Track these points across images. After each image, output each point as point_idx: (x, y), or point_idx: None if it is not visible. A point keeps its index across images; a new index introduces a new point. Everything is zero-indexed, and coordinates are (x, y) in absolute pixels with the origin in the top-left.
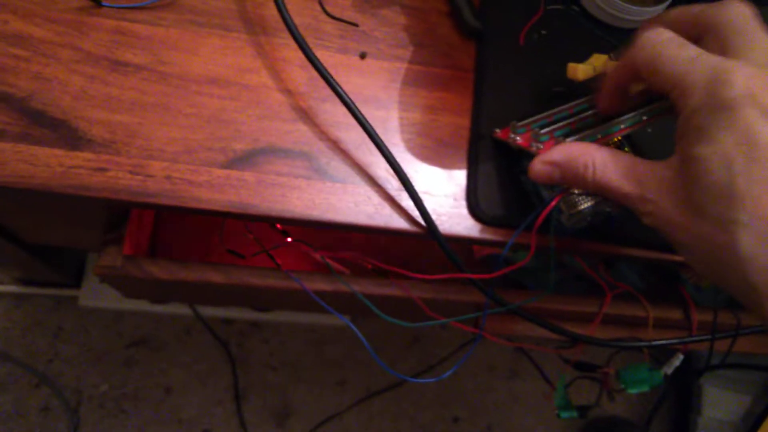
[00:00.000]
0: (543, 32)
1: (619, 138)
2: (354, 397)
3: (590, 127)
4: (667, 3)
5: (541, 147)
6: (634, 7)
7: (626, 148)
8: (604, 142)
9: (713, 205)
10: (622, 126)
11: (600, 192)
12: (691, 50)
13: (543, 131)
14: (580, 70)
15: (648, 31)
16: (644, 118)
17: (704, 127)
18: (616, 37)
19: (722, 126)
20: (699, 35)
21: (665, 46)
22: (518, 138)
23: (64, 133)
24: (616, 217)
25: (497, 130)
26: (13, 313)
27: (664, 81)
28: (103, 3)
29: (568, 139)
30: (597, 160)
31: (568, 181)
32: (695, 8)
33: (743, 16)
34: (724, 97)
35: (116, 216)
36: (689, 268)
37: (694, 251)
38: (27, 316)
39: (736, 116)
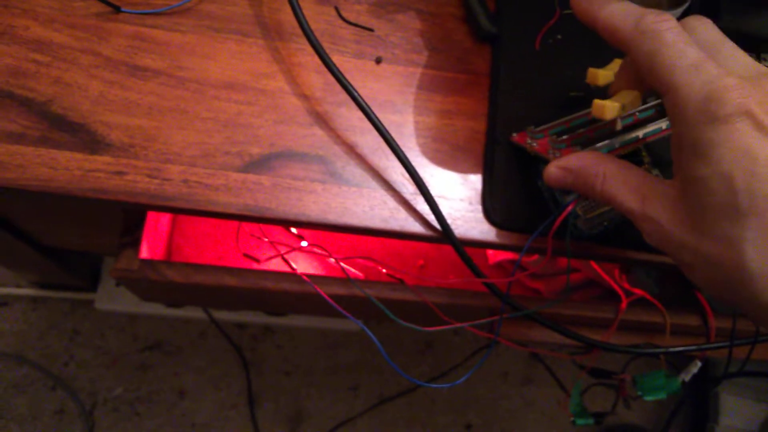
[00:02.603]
0: (559, 36)
1: (639, 147)
2: (367, 402)
3: (608, 136)
4: (683, 7)
5: (558, 155)
6: None
7: (643, 153)
8: (623, 151)
9: (718, 225)
10: (641, 135)
11: (607, 203)
12: (691, 55)
13: (561, 138)
14: (600, 76)
15: (654, 16)
16: (663, 127)
17: (700, 145)
18: None
19: (718, 143)
20: None
21: (666, 44)
22: (535, 144)
23: (83, 137)
24: (632, 223)
25: (514, 134)
26: (29, 316)
27: (658, 84)
28: (122, 9)
29: (587, 149)
30: (608, 172)
31: (579, 189)
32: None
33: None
34: (718, 114)
35: (133, 219)
36: None
37: (700, 271)
38: (43, 319)
39: (730, 132)
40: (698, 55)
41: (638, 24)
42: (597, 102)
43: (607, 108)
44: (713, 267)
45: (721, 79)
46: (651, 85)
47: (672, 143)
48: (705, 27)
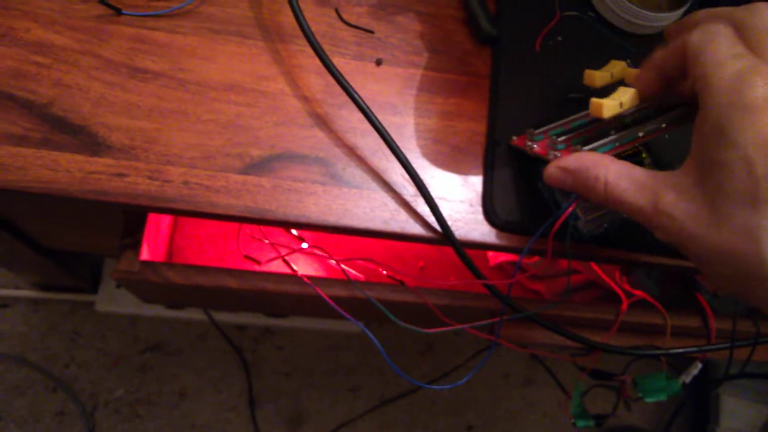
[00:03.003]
0: (559, 38)
1: (638, 146)
2: (367, 404)
3: (608, 135)
4: (684, 9)
5: (558, 155)
6: (650, 13)
7: (644, 155)
8: (623, 150)
9: (736, 213)
10: (641, 134)
11: (612, 206)
12: (738, 48)
13: (560, 139)
14: (597, 77)
15: (709, 20)
16: (663, 125)
17: (725, 128)
18: (632, 43)
19: (743, 127)
20: None
21: (719, 36)
22: (535, 146)
23: (84, 139)
24: (633, 224)
25: (514, 138)
26: (30, 318)
27: (698, 68)
28: (123, 11)
29: (586, 148)
30: (610, 174)
31: (579, 190)
32: (720, 10)
33: None
34: (747, 98)
35: (133, 221)
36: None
37: (715, 264)
38: (44, 321)
39: (757, 118)
40: (744, 49)
41: (692, 27)
42: (594, 100)
43: (605, 106)
44: (730, 259)
45: (757, 66)
46: (691, 75)
47: (695, 126)
48: (754, 23)
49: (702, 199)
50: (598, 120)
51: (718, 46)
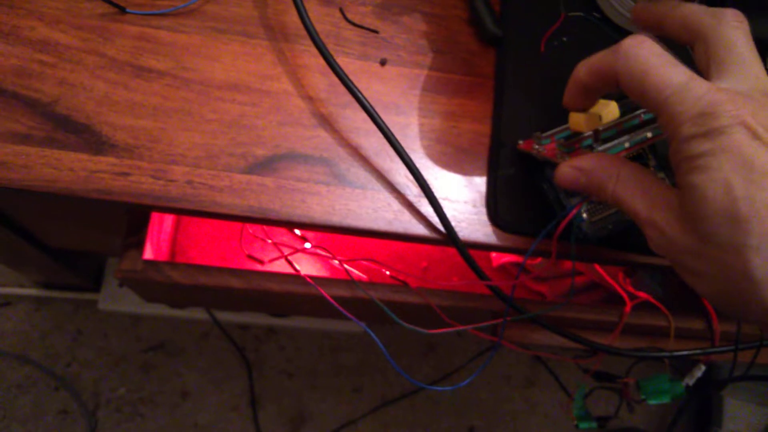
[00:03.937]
0: (564, 39)
1: (644, 148)
2: (369, 404)
3: (616, 137)
4: None
5: (568, 158)
6: None
7: (649, 156)
8: (629, 152)
9: (720, 232)
10: (649, 135)
11: (615, 205)
12: (680, 74)
13: (568, 142)
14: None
15: (632, 40)
16: None
17: (697, 155)
18: None
19: (714, 153)
20: (689, 40)
21: (652, 65)
22: (543, 149)
23: (87, 137)
24: (637, 226)
25: (520, 142)
26: (33, 317)
27: (650, 104)
28: (128, 10)
29: (596, 150)
30: (622, 174)
31: (592, 189)
32: (689, 11)
33: (736, 31)
34: (713, 127)
35: (137, 220)
36: None
37: (705, 278)
38: (46, 320)
39: (726, 141)
40: (685, 73)
41: (618, 49)
42: (574, 114)
43: (585, 120)
44: (720, 273)
45: (712, 94)
46: (641, 105)
47: (670, 158)
48: (718, 35)
49: (686, 218)
50: (578, 133)
51: (659, 76)
